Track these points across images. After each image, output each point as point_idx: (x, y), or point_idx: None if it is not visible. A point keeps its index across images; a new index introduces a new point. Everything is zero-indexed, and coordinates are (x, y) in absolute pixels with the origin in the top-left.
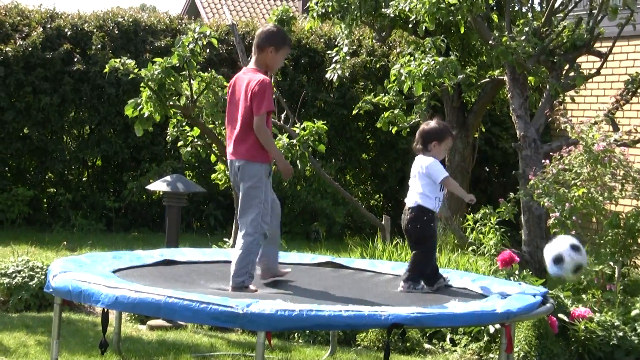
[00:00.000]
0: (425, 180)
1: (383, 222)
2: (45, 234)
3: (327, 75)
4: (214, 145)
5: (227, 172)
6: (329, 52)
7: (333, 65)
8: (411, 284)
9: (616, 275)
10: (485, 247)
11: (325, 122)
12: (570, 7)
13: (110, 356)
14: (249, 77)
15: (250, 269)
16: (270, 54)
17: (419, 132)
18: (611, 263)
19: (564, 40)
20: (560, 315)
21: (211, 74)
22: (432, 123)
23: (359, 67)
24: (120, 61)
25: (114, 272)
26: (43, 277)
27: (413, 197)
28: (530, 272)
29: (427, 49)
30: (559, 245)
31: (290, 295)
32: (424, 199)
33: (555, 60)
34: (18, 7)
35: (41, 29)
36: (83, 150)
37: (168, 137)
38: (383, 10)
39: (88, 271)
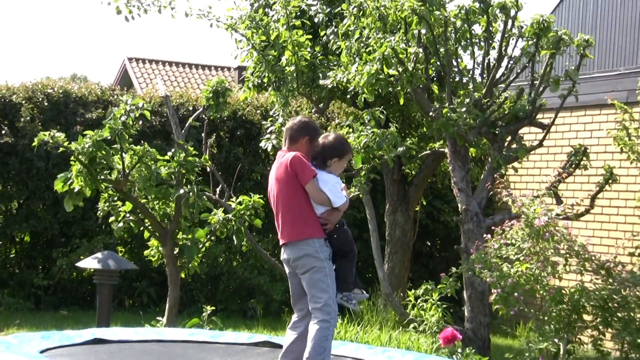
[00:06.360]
0: None
1: None
2: None
3: (262, 144)
4: (146, 220)
5: (160, 248)
6: (264, 122)
7: (267, 135)
8: None
9: (561, 352)
10: (427, 324)
11: (261, 195)
12: (511, 78)
13: None
14: None
15: (326, 357)
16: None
17: (319, 147)
18: (556, 340)
19: (506, 112)
20: None
21: (144, 147)
22: (332, 137)
23: None
24: (49, 134)
25: (42, 352)
26: None
27: None
28: (474, 350)
29: (366, 121)
30: None
31: None
32: None
33: (497, 132)
34: None
35: None
36: (11, 225)
37: (99, 212)
38: (320, 81)
39: (15, 352)
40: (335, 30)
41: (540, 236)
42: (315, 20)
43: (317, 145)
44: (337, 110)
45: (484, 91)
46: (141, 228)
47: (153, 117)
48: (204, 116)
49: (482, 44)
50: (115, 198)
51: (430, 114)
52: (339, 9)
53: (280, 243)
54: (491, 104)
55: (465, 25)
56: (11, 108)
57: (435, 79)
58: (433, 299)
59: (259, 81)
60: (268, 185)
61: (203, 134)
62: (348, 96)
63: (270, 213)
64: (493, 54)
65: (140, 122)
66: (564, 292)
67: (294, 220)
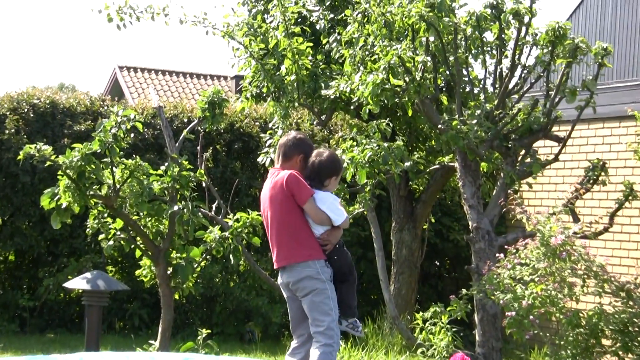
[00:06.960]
0: None
1: None
2: None
3: (260, 159)
4: (138, 238)
5: (152, 268)
6: (263, 135)
7: (266, 149)
8: None
9: None
10: (435, 349)
11: (260, 212)
12: (525, 88)
13: None
14: None
15: None
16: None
17: (314, 166)
18: None
19: (519, 124)
20: None
21: (136, 161)
22: (326, 155)
23: None
24: (35, 147)
25: None
26: None
27: None
28: None
29: (371, 134)
30: None
31: None
32: None
33: (509, 146)
34: None
35: None
36: None
37: (88, 229)
38: (322, 91)
39: None
40: (338, 37)
41: (557, 256)
42: (317, 27)
43: (311, 163)
44: (340, 122)
45: (496, 102)
46: (132, 246)
47: (145, 129)
48: (199, 128)
49: (494, 52)
50: (105, 215)
51: (439, 126)
52: (342, 15)
53: (277, 266)
54: (504, 115)
55: (476, 32)
56: None
57: (444, 89)
58: (442, 322)
59: (258, 91)
60: (261, 206)
61: (198, 147)
62: (352, 107)
63: None
64: (505, 62)
65: (132, 135)
66: (581, 315)
67: (292, 242)
